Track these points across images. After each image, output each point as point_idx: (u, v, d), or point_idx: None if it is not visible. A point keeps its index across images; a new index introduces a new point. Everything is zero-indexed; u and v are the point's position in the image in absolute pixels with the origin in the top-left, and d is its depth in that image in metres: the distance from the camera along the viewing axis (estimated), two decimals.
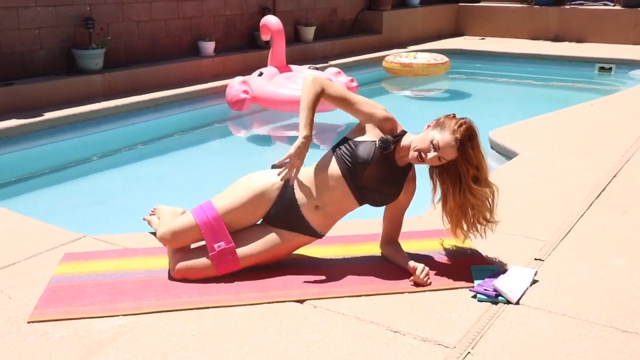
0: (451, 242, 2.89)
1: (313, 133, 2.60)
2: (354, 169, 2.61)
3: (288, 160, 2.57)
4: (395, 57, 8.45)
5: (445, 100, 8.69)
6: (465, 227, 2.69)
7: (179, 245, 2.71)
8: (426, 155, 2.56)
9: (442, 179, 2.68)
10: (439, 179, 2.70)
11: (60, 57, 6.81)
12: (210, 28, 8.35)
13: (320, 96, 2.64)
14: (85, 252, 2.96)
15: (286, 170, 2.59)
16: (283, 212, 2.67)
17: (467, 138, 2.54)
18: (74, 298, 2.51)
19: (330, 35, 10.29)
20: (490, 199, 2.65)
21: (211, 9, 8.36)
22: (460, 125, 2.55)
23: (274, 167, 2.68)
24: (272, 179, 2.67)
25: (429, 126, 2.65)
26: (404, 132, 2.69)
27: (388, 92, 8.89)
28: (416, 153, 2.58)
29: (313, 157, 2.77)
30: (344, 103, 2.69)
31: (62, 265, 2.80)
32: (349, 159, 2.61)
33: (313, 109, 2.60)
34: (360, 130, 2.68)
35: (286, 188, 2.67)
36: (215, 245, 2.62)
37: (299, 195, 2.66)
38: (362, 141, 2.63)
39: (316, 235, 2.73)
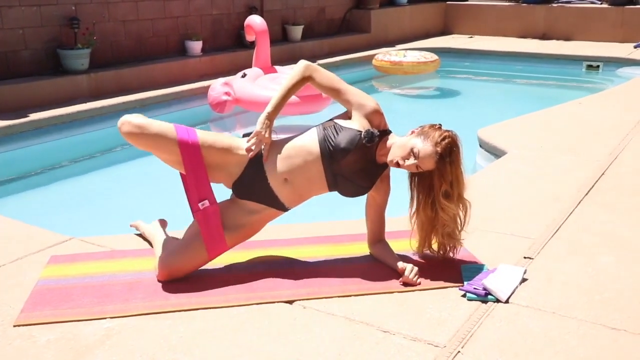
0: None
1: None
2: (334, 153, 2.58)
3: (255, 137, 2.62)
4: (385, 55, 8.46)
5: (433, 98, 8.70)
6: (432, 242, 2.74)
7: (148, 148, 2.63)
8: (404, 162, 2.55)
9: (418, 188, 2.69)
10: (416, 187, 2.70)
11: (46, 57, 6.75)
12: (197, 27, 8.31)
13: (306, 82, 2.67)
14: (72, 254, 2.93)
15: (254, 144, 2.61)
16: (251, 181, 2.64)
17: (448, 152, 2.53)
18: (61, 301, 2.48)
19: (319, 34, 10.28)
20: (461, 215, 2.66)
21: (198, 8, 8.33)
22: (444, 139, 2.54)
23: (244, 134, 2.70)
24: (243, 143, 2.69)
25: (413, 132, 2.63)
26: (389, 132, 2.69)
27: (377, 91, 8.89)
28: (395, 158, 2.57)
29: None
30: (334, 91, 2.68)
31: (48, 268, 2.77)
32: (332, 142, 2.58)
33: (289, 91, 2.65)
34: (348, 117, 2.67)
35: (257, 155, 2.65)
36: (200, 204, 2.60)
37: (269, 165, 2.63)
38: (348, 127, 2.61)
39: (283, 208, 2.70)
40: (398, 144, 2.59)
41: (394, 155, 2.58)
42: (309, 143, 2.62)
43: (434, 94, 8.89)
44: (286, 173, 2.62)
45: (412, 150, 2.53)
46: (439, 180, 2.57)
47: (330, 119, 2.70)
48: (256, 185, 2.64)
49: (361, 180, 2.64)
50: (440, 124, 2.63)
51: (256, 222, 2.70)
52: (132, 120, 2.60)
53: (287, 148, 2.64)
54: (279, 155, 2.63)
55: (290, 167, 2.62)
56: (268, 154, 2.64)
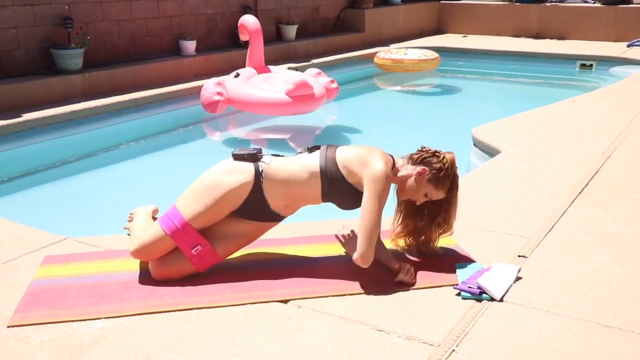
0: None
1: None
2: (334, 198, 2.70)
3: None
4: (387, 53, 8.50)
5: (427, 96, 8.71)
6: (411, 239, 2.86)
7: (155, 257, 2.67)
8: (419, 203, 2.74)
9: (407, 208, 2.83)
10: (404, 206, 2.82)
11: (39, 57, 6.73)
12: (191, 27, 8.30)
13: None
14: (67, 254, 2.92)
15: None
16: (253, 208, 2.67)
17: (456, 187, 2.73)
18: (55, 301, 2.48)
19: (313, 33, 10.28)
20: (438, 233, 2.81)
21: (192, 7, 8.31)
22: (454, 178, 2.69)
23: (234, 155, 2.69)
24: (236, 178, 2.63)
25: (420, 174, 2.66)
26: (392, 159, 2.74)
27: (377, 88, 8.91)
28: (408, 198, 2.74)
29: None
30: None
31: (42, 268, 2.76)
32: (335, 194, 2.67)
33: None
34: (354, 176, 2.64)
35: (256, 189, 2.64)
36: (193, 251, 2.62)
37: (270, 195, 2.65)
38: (354, 189, 2.64)
39: (281, 219, 2.78)
40: (411, 190, 2.69)
41: (407, 196, 2.73)
42: (310, 181, 2.65)
43: (429, 92, 8.90)
44: (287, 200, 2.69)
45: (426, 196, 2.70)
46: (439, 210, 2.74)
47: (332, 148, 2.72)
48: (258, 210, 2.68)
49: (359, 203, 2.66)
50: (439, 151, 2.71)
51: (252, 231, 2.74)
52: (133, 246, 2.69)
53: (290, 182, 2.66)
54: (281, 189, 2.66)
55: (291, 195, 2.68)
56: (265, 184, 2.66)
